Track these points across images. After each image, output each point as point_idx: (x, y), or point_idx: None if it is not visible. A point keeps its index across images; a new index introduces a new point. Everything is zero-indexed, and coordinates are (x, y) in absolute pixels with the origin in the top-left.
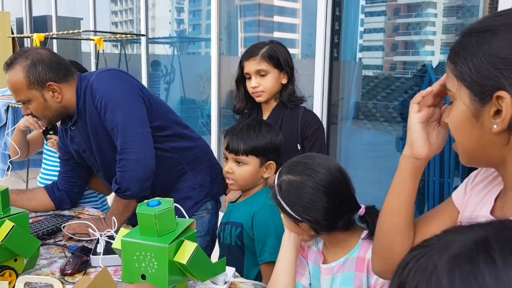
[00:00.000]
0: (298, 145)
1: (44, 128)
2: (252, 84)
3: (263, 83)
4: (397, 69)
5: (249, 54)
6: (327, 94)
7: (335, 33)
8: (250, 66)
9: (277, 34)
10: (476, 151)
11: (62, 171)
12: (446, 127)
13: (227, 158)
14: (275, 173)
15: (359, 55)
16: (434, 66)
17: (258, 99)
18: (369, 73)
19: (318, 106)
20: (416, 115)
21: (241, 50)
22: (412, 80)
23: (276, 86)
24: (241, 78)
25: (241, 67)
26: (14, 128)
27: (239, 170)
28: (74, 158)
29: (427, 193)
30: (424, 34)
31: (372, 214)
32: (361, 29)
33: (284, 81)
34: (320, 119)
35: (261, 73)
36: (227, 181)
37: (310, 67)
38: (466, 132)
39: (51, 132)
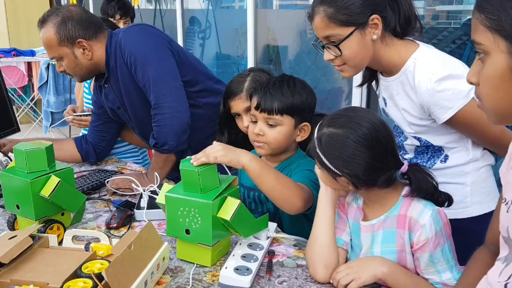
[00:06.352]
0: None
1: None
2: (244, 123)
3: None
4: (439, 19)
5: (232, 92)
6: None
7: None
8: (238, 106)
9: None
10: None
11: (94, 125)
12: None
13: (255, 121)
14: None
15: None
16: None
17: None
18: None
19: None
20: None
21: (275, 3)
22: (460, 29)
23: None
24: (225, 120)
25: (225, 106)
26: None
27: (271, 132)
28: (106, 113)
29: None
30: None
31: (416, 171)
32: None
33: None
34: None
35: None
36: (255, 144)
37: None
38: (504, 88)
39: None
